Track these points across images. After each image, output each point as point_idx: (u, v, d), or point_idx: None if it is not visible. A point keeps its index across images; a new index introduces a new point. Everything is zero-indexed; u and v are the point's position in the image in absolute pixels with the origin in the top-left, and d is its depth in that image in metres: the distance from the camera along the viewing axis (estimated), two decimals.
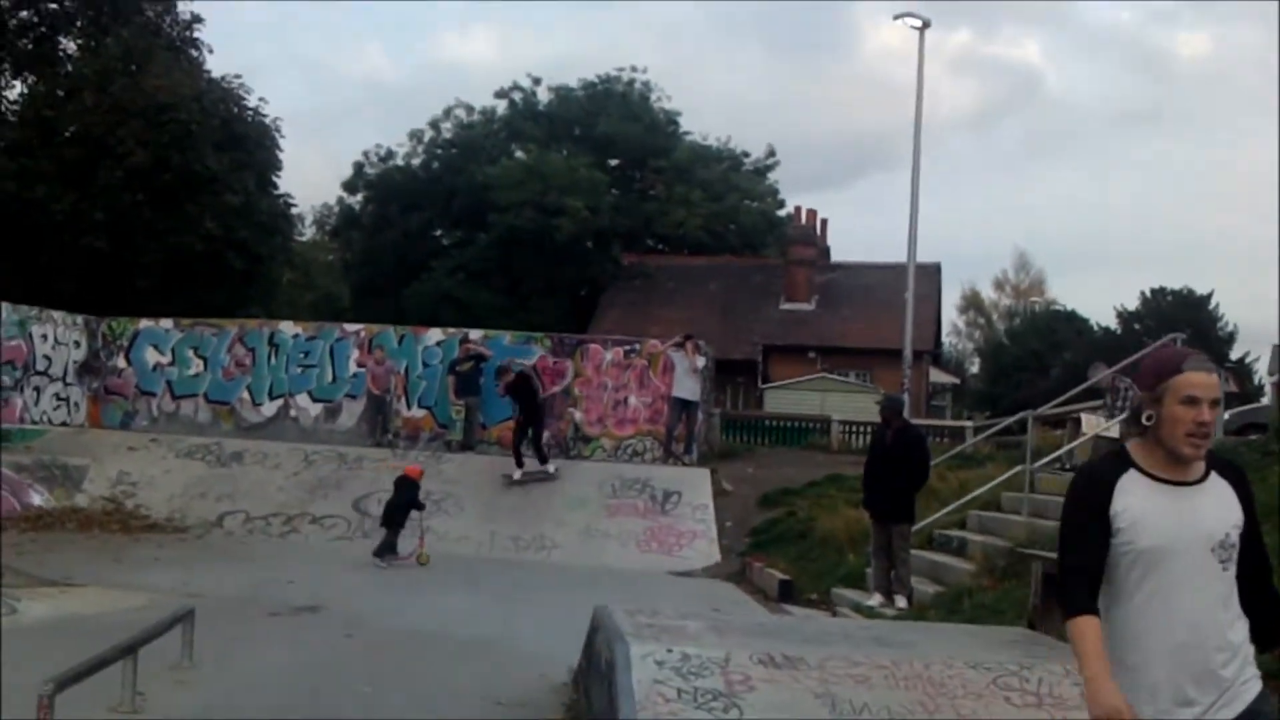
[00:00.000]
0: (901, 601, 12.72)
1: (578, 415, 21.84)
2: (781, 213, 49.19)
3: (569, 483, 19.91)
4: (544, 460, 20.11)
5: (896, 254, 44.32)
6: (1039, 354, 55.36)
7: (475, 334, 22.86)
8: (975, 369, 69.07)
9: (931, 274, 40.16)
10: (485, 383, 21.63)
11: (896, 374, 30.96)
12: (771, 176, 50.75)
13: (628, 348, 22.20)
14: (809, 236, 43.22)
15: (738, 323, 40.02)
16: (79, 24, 36.39)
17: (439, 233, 48.95)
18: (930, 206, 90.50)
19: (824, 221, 45.20)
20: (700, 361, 21.09)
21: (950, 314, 66.13)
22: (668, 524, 18.38)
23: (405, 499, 16.49)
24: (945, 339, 54.77)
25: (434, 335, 22.96)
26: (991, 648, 7.08)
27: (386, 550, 15.93)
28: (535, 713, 8.16)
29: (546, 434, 21.54)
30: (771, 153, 50.89)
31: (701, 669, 6.31)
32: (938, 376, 45.54)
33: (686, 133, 49.32)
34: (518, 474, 19.73)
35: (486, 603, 13.47)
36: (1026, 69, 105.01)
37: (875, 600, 12.97)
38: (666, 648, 6.52)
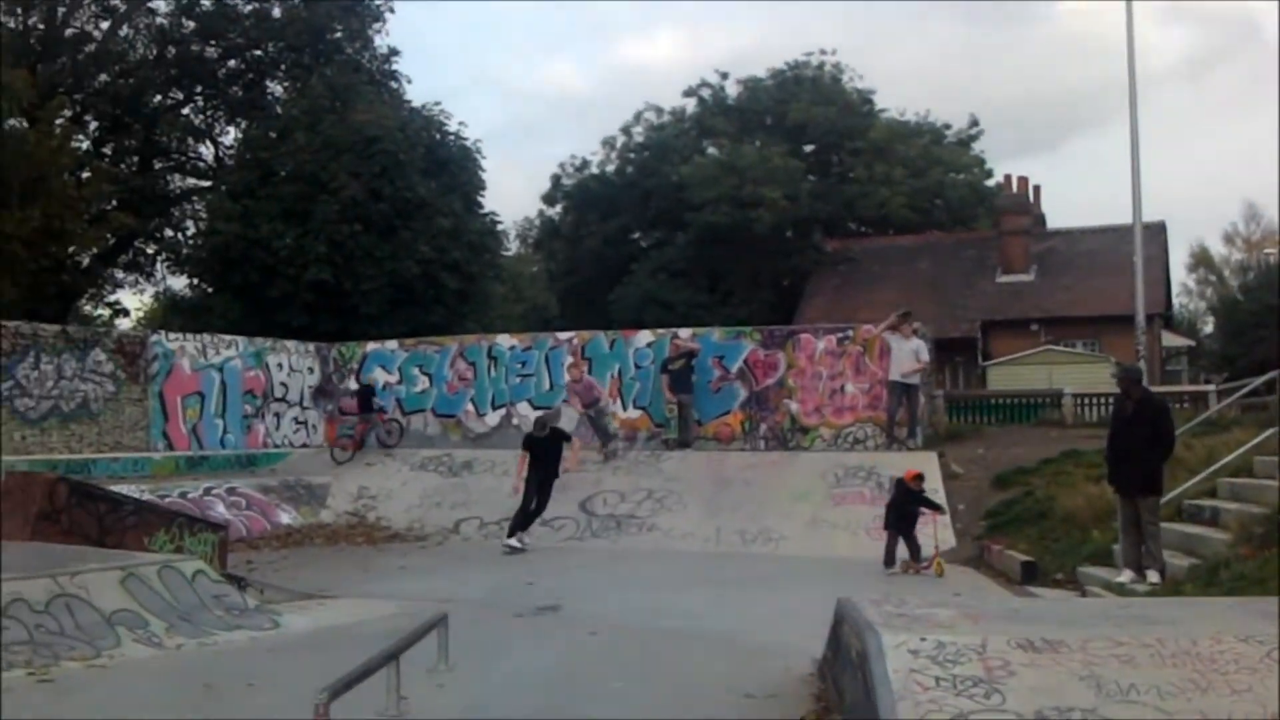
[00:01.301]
0: (1154, 576, 12.24)
1: (794, 406, 21.69)
2: (990, 183, 47.97)
3: (791, 474, 19.80)
4: (517, 529, 17.83)
5: (1114, 216, 42.54)
6: (1277, 308, 52.35)
7: (684, 332, 23.00)
8: (1209, 329, 65.84)
9: (1156, 233, 38.49)
10: (698, 380, 21.77)
11: (1126, 340, 29.79)
12: (976, 147, 49.57)
13: (840, 335, 21.92)
14: (1022, 205, 41.92)
15: (952, 300, 39.14)
16: (284, 67, 38.27)
17: (637, 236, 49.38)
18: (1148, 163, 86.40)
19: (1036, 188, 43.84)
20: (916, 342, 20.68)
21: (1178, 273, 63.26)
22: None
23: (911, 502, 15.36)
24: (1175, 300, 52.36)
25: (644, 337, 23.21)
26: (1261, 619, 6.74)
27: (891, 560, 15.11)
28: (785, 705, 8.11)
29: (763, 426, 21.55)
30: (974, 122, 49.75)
31: (958, 656, 6.23)
32: (1170, 340, 43.65)
33: (882, 110, 48.47)
34: (514, 541, 17.63)
35: (721, 597, 13.51)
36: (1240, 13, 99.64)
37: (1126, 577, 12.51)
38: (920, 636, 6.44)
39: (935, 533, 15.07)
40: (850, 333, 21.89)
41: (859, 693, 6.60)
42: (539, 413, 21.38)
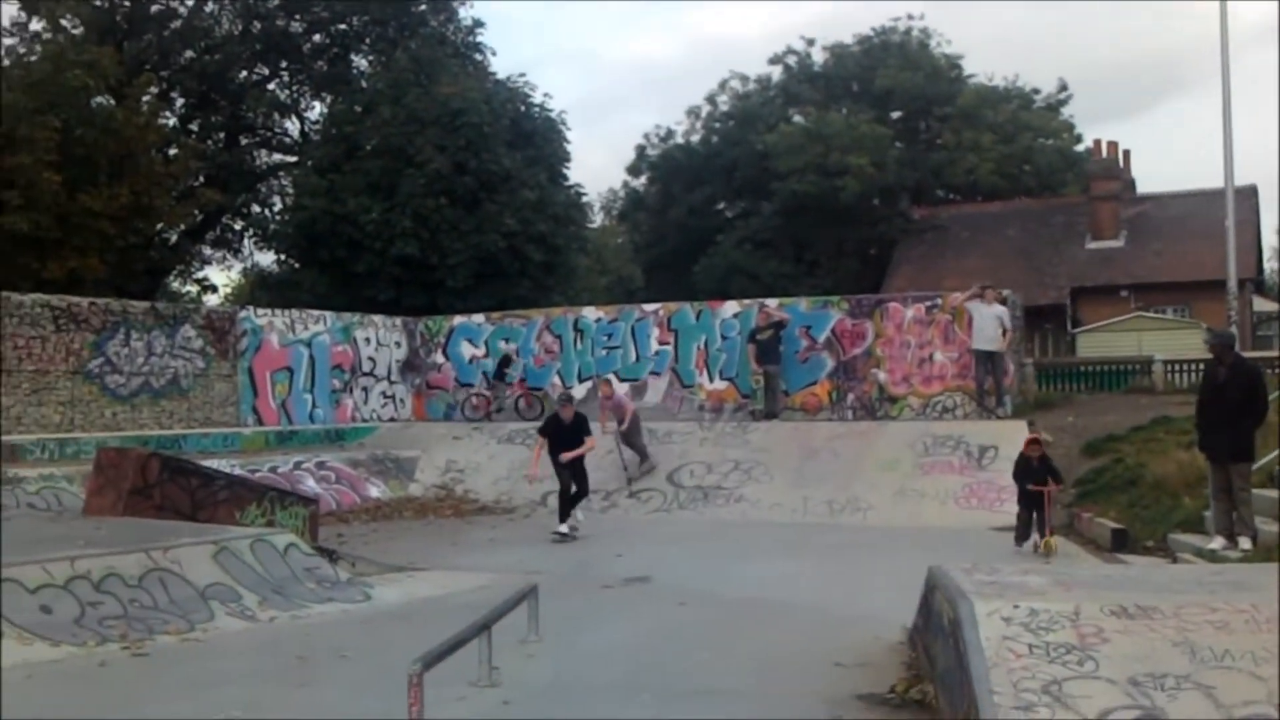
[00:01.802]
0: (1245, 543, 12.03)
1: (881, 376, 21.46)
2: (1079, 148, 46.94)
3: (879, 444, 19.58)
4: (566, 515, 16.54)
5: (1205, 180, 41.45)
6: None
7: (772, 302, 22.81)
8: None
9: (1247, 197, 37.43)
10: (785, 350, 21.61)
11: (1217, 306, 29.09)
12: (1065, 111, 48.52)
13: (929, 303, 21.59)
14: (1112, 170, 41.02)
15: (1041, 267, 38.49)
16: (369, 41, 38.50)
17: (722, 206, 49.14)
18: (1239, 126, 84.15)
19: (1126, 153, 42.83)
20: (999, 309, 20.34)
21: (1270, 238, 61.55)
22: (986, 479, 17.76)
23: (1031, 474, 14.32)
24: (1266, 265, 51.02)
25: (730, 308, 23.06)
26: None
27: (1024, 538, 14.26)
28: (876, 673, 8.04)
29: (851, 395, 21.35)
30: (1063, 87, 48.68)
31: (1051, 623, 6.22)
32: (1262, 305, 42.55)
33: (970, 76, 47.67)
34: (564, 528, 16.35)
35: (809, 567, 13.43)
36: None
37: (1217, 544, 12.28)
38: (1012, 604, 6.42)
39: (1047, 506, 14.18)
40: (939, 301, 21.57)
41: (951, 660, 6.59)
42: (626, 383, 21.50)
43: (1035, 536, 14.12)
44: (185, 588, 9.73)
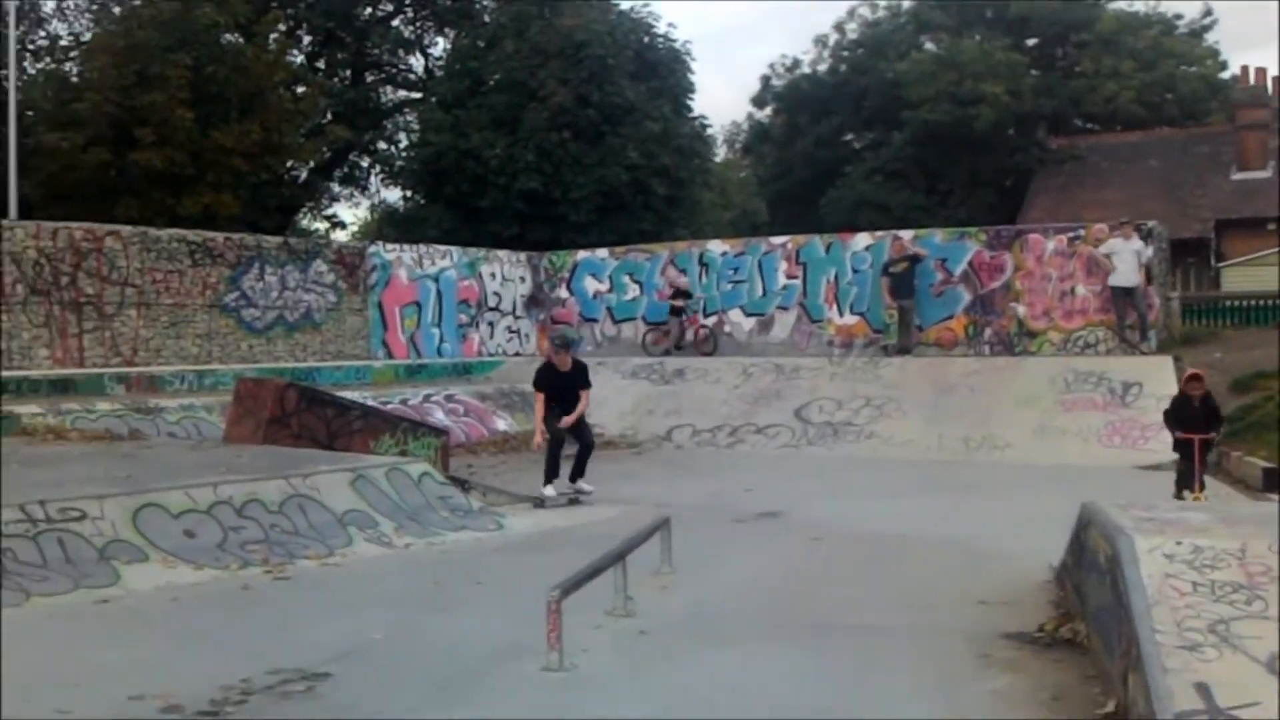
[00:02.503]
0: None
1: (1020, 310, 20.92)
2: (1225, 75, 45.04)
3: (1017, 380, 19.08)
4: (579, 474, 13.64)
5: None
6: None
7: (905, 234, 22.29)
8: None
9: None
10: (920, 284, 21.14)
11: None
12: (1209, 37, 46.56)
13: (1071, 234, 20.90)
14: (1260, 97, 39.22)
15: (1184, 199, 37.06)
16: None
17: (850, 137, 48.27)
18: None
19: (1275, 79, 40.92)
20: (1138, 244, 19.62)
21: None
22: (1130, 417, 17.21)
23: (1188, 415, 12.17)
24: None
25: (862, 240, 22.61)
26: None
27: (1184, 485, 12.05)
28: (1021, 612, 7.80)
29: (988, 330, 20.84)
30: (1207, 11, 46.68)
31: (1216, 561, 5.97)
32: None
33: (1110, 1, 45.98)
34: (550, 490, 13.23)
35: (947, 504, 13.10)
36: None
37: None
38: (1174, 540, 6.17)
39: (1197, 457, 12.11)
40: (1081, 232, 20.88)
41: (1107, 598, 6.35)
42: (753, 318, 21.22)
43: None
44: (324, 514, 9.82)
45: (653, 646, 7.06)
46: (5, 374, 16.61)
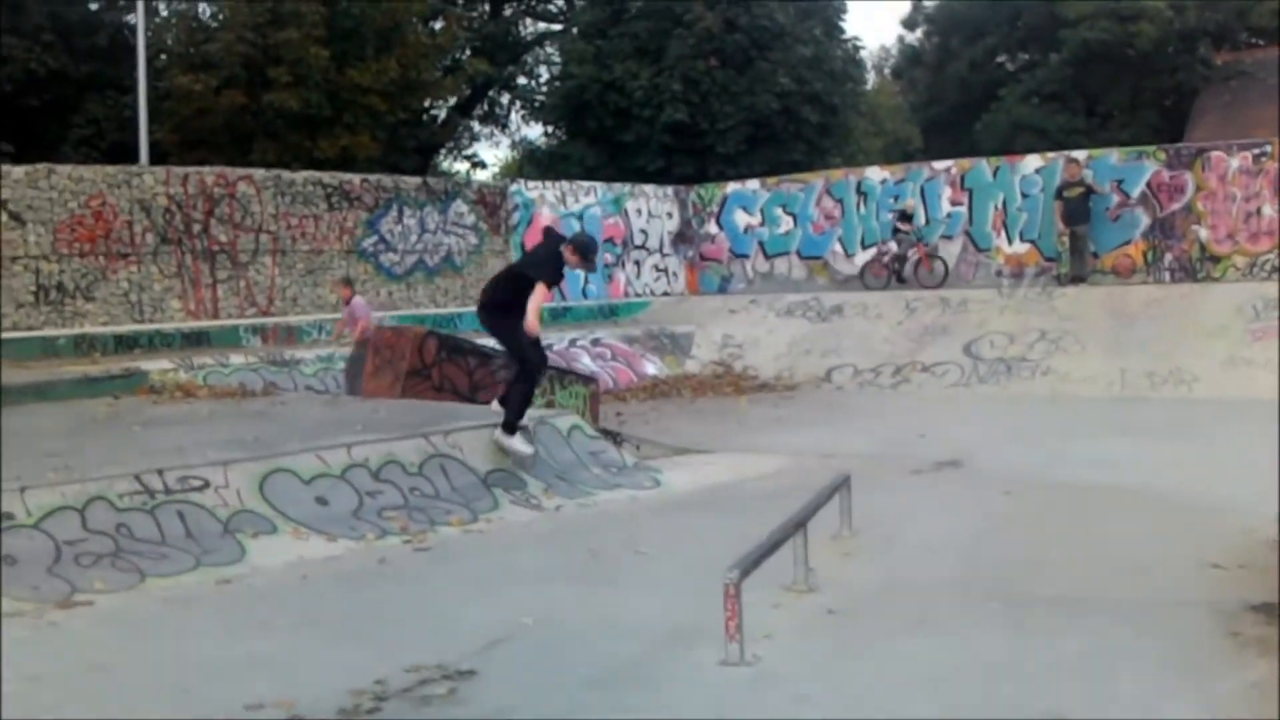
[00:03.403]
0: None
1: (1203, 233, 19.40)
2: None
3: (1202, 308, 17.59)
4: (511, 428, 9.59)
5: None
6: None
7: (1079, 154, 20.72)
8: None
9: None
10: (1095, 208, 19.64)
11: None
12: None
13: (1257, 151, 19.24)
14: None
15: None
16: None
17: (1004, 59, 46.25)
18: None
19: None
20: None
21: None
22: None
23: None
24: None
25: (1032, 162, 21.09)
26: None
27: None
28: (1263, 577, 6.68)
29: (1169, 256, 19.24)
30: None
31: None
32: None
33: None
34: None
35: (1139, 447, 11.80)
36: None
37: None
38: None
39: None
40: (1269, 148, 19.17)
41: None
42: None
43: None
44: (467, 474, 9.05)
45: (844, 630, 6.11)
46: (136, 328, 16.30)
